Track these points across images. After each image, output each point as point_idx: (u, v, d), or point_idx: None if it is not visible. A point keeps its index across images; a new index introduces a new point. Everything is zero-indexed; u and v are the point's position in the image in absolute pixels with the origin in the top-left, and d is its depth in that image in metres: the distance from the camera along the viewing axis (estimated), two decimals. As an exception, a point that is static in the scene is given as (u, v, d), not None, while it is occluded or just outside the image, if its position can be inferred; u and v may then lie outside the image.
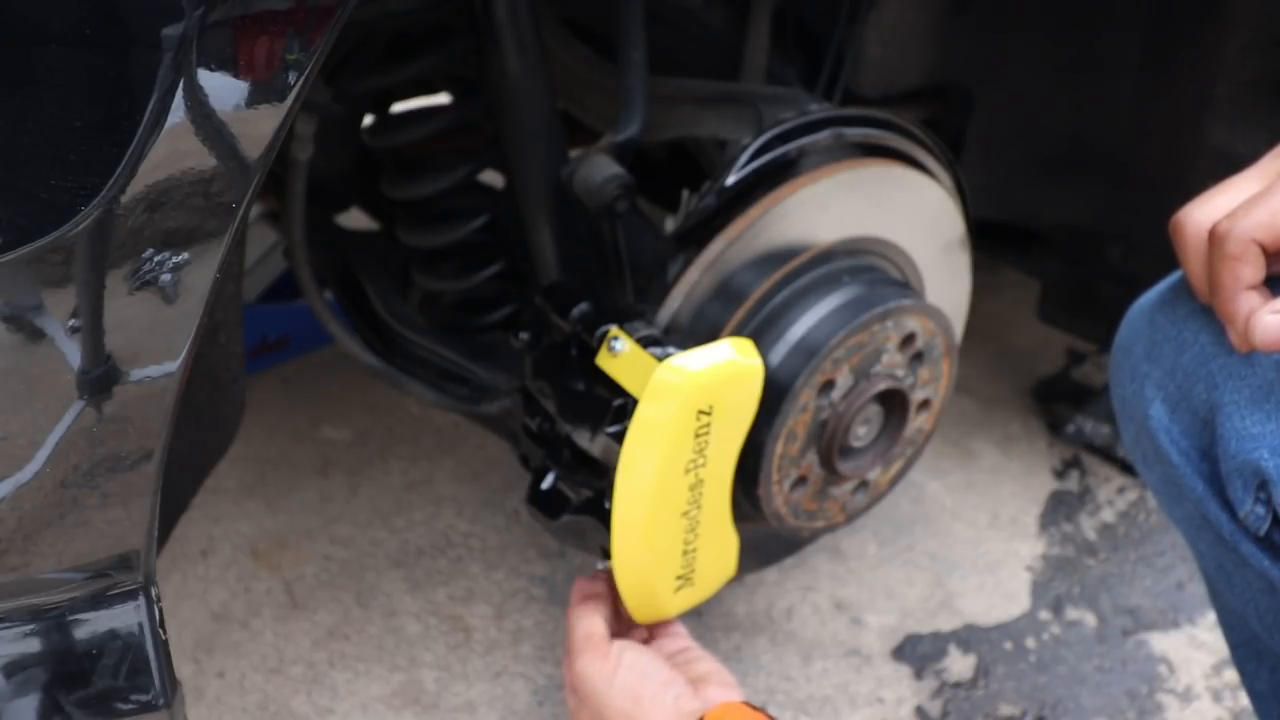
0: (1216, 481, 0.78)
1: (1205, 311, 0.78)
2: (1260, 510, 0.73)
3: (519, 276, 1.13)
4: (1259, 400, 0.73)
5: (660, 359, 0.89)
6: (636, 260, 0.99)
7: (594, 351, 0.94)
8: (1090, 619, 1.32)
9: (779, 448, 0.96)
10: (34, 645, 0.69)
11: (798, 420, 0.96)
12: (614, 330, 0.93)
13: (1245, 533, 0.76)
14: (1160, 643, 1.29)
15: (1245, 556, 0.77)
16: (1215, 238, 0.72)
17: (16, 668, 0.68)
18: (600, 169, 0.97)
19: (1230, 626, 0.91)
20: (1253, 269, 0.71)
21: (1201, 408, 0.77)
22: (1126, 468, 1.51)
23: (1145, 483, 0.88)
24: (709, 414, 0.90)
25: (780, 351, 0.95)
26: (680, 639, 1.03)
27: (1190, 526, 0.83)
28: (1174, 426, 0.79)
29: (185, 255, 0.59)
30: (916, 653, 1.27)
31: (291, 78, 0.58)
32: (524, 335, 1.01)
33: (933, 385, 1.04)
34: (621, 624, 1.02)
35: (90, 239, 0.56)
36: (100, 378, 0.61)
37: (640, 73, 1.00)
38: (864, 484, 1.07)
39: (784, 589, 1.34)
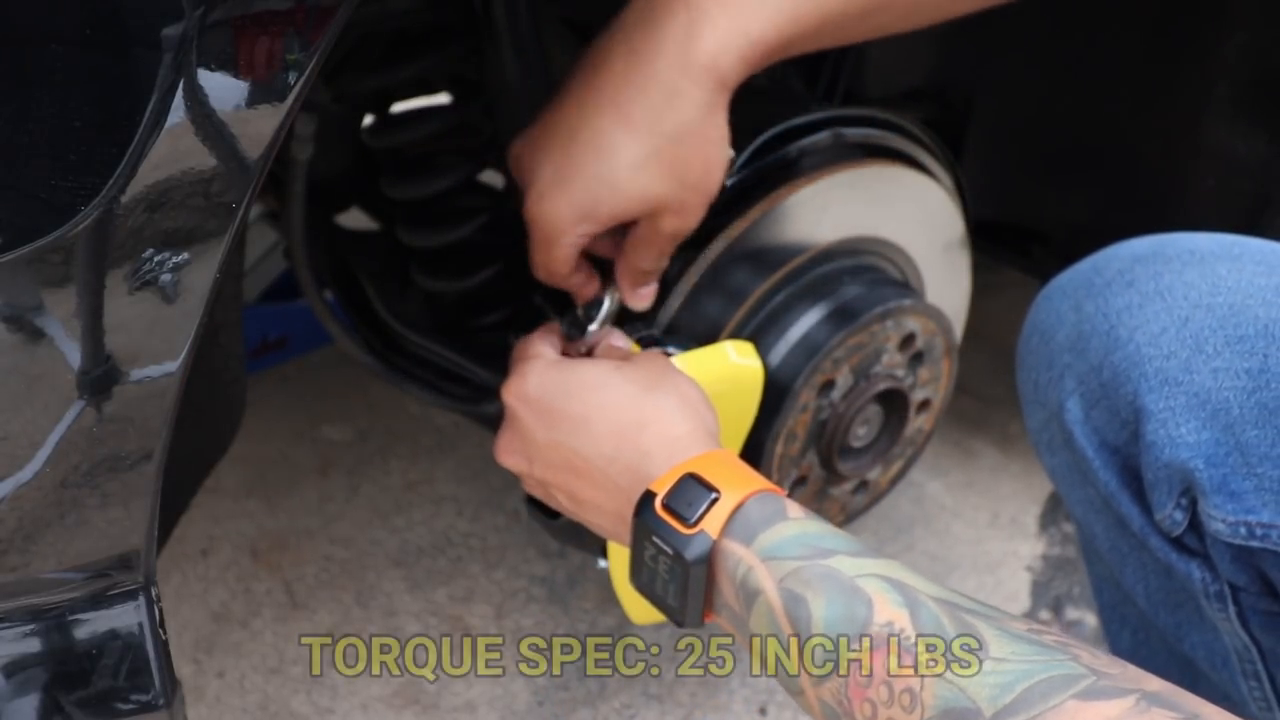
0: (1128, 477, 0.77)
1: (1142, 308, 0.76)
2: (1178, 516, 0.73)
3: (519, 276, 1.13)
4: (1194, 408, 0.71)
5: (660, 359, 0.89)
6: (636, 260, 0.99)
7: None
8: (1090, 619, 1.32)
9: (779, 448, 0.96)
10: (34, 645, 0.69)
11: (798, 420, 0.96)
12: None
13: (1155, 530, 0.76)
14: (1160, 643, 1.29)
15: (1151, 549, 0.77)
16: None
17: (16, 668, 0.68)
18: (600, 169, 0.97)
19: (1102, 591, 0.93)
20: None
21: (1125, 409, 0.75)
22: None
23: (1043, 463, 0.87)
24: (709, 414, 0.90)
25: (780, 351, 0.95)
26: None
27: (1090, 509, 0.83)
28: (1089, 423, 0.78)
29: (185, 255, 0.59)
30: (916, 653, 1.27)
31: (291, 78, 0.58)
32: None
33: (933, 385, 1.04)
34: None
35: (90, 239, 0.56)
36: (100, 378, 0.61)
37: (640, 73, 1.00)
38: (864, 484, 1.07)
39: (784, 589, 1.34)
